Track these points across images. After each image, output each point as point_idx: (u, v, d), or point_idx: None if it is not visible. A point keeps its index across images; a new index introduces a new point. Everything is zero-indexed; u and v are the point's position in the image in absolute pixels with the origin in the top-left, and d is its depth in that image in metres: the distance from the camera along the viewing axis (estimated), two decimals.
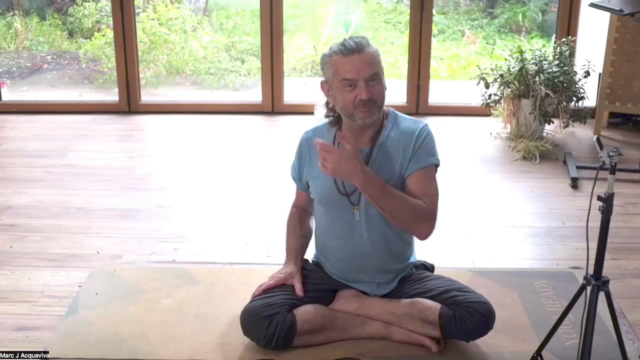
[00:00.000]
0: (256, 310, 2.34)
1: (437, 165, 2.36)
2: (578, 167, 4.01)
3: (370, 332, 2.43)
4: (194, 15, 6.49)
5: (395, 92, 4.91)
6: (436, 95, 5.17)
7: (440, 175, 2.39)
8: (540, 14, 6.80)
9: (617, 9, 3.65)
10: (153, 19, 6.07)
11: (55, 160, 4.23)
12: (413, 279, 2.48)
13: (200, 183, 3.94)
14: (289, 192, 2.66)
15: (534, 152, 4.29)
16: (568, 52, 4.49)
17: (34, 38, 6.71)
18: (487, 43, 6.69)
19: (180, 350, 2.40)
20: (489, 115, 4.71)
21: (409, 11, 5.02)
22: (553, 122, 4.51)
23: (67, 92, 6.06)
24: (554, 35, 5.09)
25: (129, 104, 5.12)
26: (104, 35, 6.08)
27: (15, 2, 6.76)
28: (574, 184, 3.88)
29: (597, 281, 2.10)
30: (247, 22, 6.52)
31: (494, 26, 6.86)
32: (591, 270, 2.11)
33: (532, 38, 6.50)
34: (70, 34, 6.68)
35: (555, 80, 4.35)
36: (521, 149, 4.33)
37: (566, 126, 4.54)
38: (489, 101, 4.58)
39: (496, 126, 4.71)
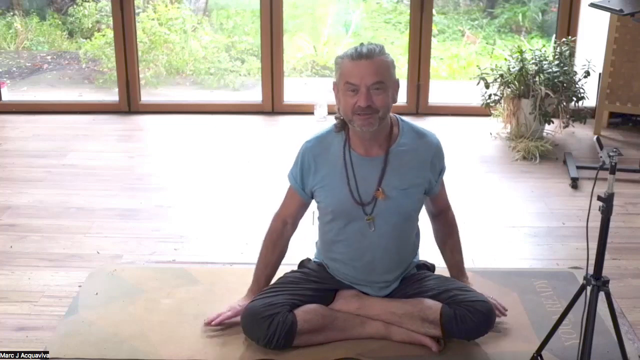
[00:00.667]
0: (257, 310, 2.34)
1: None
2: (578, 167, 4.01)
3: (371, 332, 2.43)
4: (194, 15, 6.49)
5: None
6: (436, 95, 5.17)
7: None
8: (540, 14, 6.80)
9: (617, 9, 3.65)
10: (153, 19, 6.07)
11: (55, 160, 4.23)
12: (414, 279, 2.48)
13: (200, 183, 3.94)
14: None
15: (534, 152, 4.29)
16: (568, 52, 4.49)
17: (34, 38, 6.71)
18: (487, 43, 6.69)
19: (180, 350, 2.40)
20: (489, 115, 4.71)
21: (409, 11, 5.02)
22: (553, 122, 4.51)
23: (67, 92, 6.06)
24: (554, 35, 5.09)
25: (129, 104, 5.12)
26: (104, 35, 6.08)
27: (15, 2, 6.76)
28: (574, 184, 3.88)
29: (597, 281, 2.10)
30: (247, 22, 6.52)
31: (494, 26, 6.86)
32: (591, 270, 2.11)
33: (532, 38, 6.50)
34: (70, 34, 6.68)
35: (555, 80, 4.35)
36: (521, 149, 4.33)
37: (566, 126, 4.54)
38: (489, 101, 4.58)
39: (496, 126, 4.71)
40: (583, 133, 4.76)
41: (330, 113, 4.91)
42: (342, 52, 2.31)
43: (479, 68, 4.62)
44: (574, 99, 4.46)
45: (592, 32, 4.89)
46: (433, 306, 2.35)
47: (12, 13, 6.67)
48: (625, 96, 4.57)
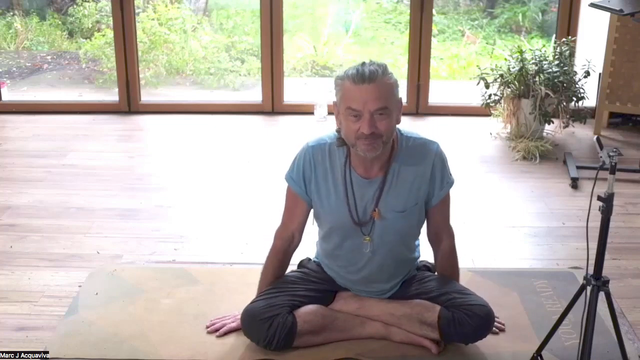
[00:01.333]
0: (257, 311, 2.34)
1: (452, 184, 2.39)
2: (578, 167, 4.01)
3: (370, 333, 2.43)
4: (194, 15, 6.49)
5: None
6: (436, 95, 5.17)
7: None
8: (540, 14, 6.80)
9: (617, 9, 3.65)
10: (153, 19, 6.07)
11: (55, 160, 4.23)
12: (414, 280, 2.48)
13: (200, 183, 3.94)
14: None
15: (534, 152, 4.29)
16: (568, 52, 4.49)
17: (34, 38, 6.71)
18: (487, 43, 6.69)
19: (180, 350, 2.40)
20: (489, 115, 4.71)
21: (409, 11, 5.02)
22: (553, 122, 4.51)
23: (67, 92, 6.06)
24: (554, 35, 5.09)
25: (129, 104, 5.12)
26: (104, 35, 6.08)
27: (15, 2, 6.75)
28: (574, 184, 3.88)
29: (597, 281, 2.10)
30: (247, 22, 6.52)
31: (494, 26, 6.86)
32: (591, 270, 2.11)
33: (532, 38, 6.50)
34: (70, 34, 6.68)
35: (555, 80, 4.35)
36: (521, 149, 4.33)
37: (566, 126, 4.54)
38: (489, 101, 4.58)
39: (496, 126, 4.71)
40: (583, 133, 4.76)
41: (330, 113, 4.91)
42: (343, 72, 2.20)
43: (479, 68, 4.62)
44: (574, 99, 4.46)
45: (592, 32, 4.89)
46: (431, 309, 2.35)
47: (12, 13, 6.67)
48: (625, 96, 4.57)
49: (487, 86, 4.54)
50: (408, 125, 3.61)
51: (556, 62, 4.44)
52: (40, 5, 6.88)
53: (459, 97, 5.35)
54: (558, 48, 4.52)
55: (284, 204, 2.46)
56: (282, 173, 2.44)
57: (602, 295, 2.12)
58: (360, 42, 6.71)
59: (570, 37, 4.67)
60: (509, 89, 4.50)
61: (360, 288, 2.46)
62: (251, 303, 2.39)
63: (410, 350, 2.38)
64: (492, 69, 4.55)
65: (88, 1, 6.36)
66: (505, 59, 4.58)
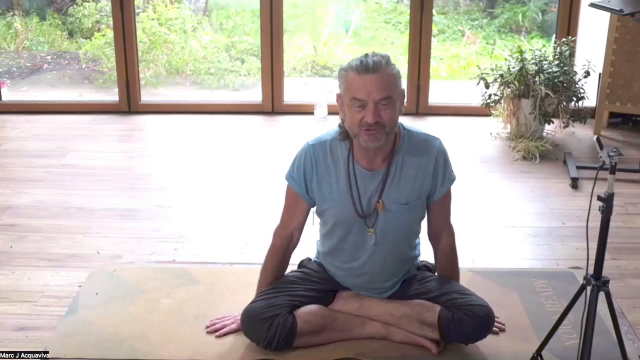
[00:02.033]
0: (257, 311, 2.34)
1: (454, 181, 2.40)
2: (578, 167, 4.01)
3: (370, 333, 2.43)
4: (193, 15, 6.49)
5: None
6: (436, 95, 5.17)
7: None
8: (540, 14, 6.80)
9: (617, 9, 3.65)
10: (153, 19, 6.07)
11: (55, 160, 4.23)
12: (414, 280, 2.48)
13: (200, 183, 3.94)
14: None
15: (534, 152, 4.29)
16: (568, 52, 4.49)
17: (34, 38, 6.71)
18: (487, 43, 6.69)
19: (180, 350, 2.40)
20: (489, 115, 4.71)
21: (409, 11, 5.02)
22: (553, 122, 4.51)
23: (67, 92, 6.06)
24: (554, 35, 5.09)
25: (129, 104, 5.12)
26: (104, 35, 6.08)
27: (15, 2, 6.75)
28: (574, 184, 3.88)
29: (597, 281, 2.10)
30: (247, 22, 6.52)
31: (494, 26, 6.86)
32: (591, 270, 2.11)
33: (532, 38, 6.50)
34: (70, 34, 6.68)
35: (555, 80, 4.35)
36: (521, 149, 4.33)
37: (566, 126, 4.54)
38: (489, 101, 4.58)
39: (496, 126, 4.71)
40: (583, 133, 4.76)
41: (330, 113, 4.91)
42: (346, 64, 2.22)
43: (479, 68, 4.62)
44: (574, 99, 4.46)
45: (592, 32, 4.89)
46: (431, 309, 2.35)
47: (12, 13, 6.67)
48: (625, 96, 4.57)
49: (487, 86, 4.54)
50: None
51: (556, 62, 4.44)
52: (40, 5, 6.88)
53: (459, 97, 5.35)
54: (558, 48, 4.52)
55: (284, 203, 2.46)
56: (282, 173, 2.43)
57: (602, 295, 2.12)
58: (360, 42, 6.71)
59: (570, 37, 4.67)
60: (509, 89, 4.51)
61: (361, 286, 2.46)
62: (251, 303, 2.39)
63: (410, 350, 2.38)
64: (492, 69, 4.55)
65: (88, 1, 6.36)
66: (505, 59, 4.58)
